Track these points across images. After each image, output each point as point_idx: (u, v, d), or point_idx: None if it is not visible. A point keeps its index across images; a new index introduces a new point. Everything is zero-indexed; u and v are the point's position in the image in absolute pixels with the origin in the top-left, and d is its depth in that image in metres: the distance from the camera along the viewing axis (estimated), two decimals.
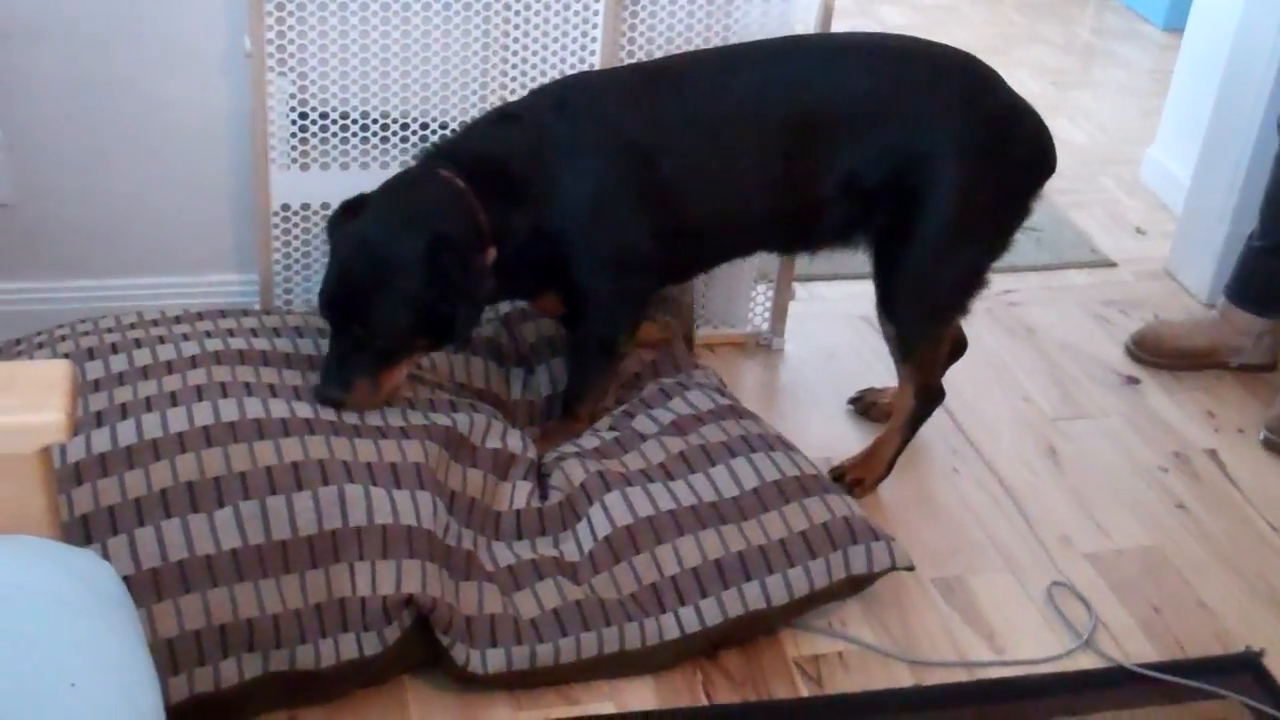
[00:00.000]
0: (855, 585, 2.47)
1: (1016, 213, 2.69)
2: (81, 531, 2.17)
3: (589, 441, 2.65)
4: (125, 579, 2.08)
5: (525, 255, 2.52)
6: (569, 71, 2.88)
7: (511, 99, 2.81)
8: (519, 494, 2.51)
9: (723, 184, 2.61)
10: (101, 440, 2.29)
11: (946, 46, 2.72)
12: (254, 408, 2.38)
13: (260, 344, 2.58)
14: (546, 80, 2.85)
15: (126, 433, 2.30)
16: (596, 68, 2.87)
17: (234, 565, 2.17)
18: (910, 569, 2.51)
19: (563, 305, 2.66)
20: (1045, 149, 2.67)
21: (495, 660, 2.26)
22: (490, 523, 2.47)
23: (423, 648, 2.29)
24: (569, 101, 2.56)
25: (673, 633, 2.34)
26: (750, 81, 2.61)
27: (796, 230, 2.73)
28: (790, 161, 2.59)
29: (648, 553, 2.39)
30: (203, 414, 2.35)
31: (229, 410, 2.36)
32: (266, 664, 2.16)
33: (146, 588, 2.12)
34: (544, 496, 2.53)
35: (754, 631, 2.43)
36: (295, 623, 2.18)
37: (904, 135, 2.57)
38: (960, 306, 2.75)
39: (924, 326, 2.76)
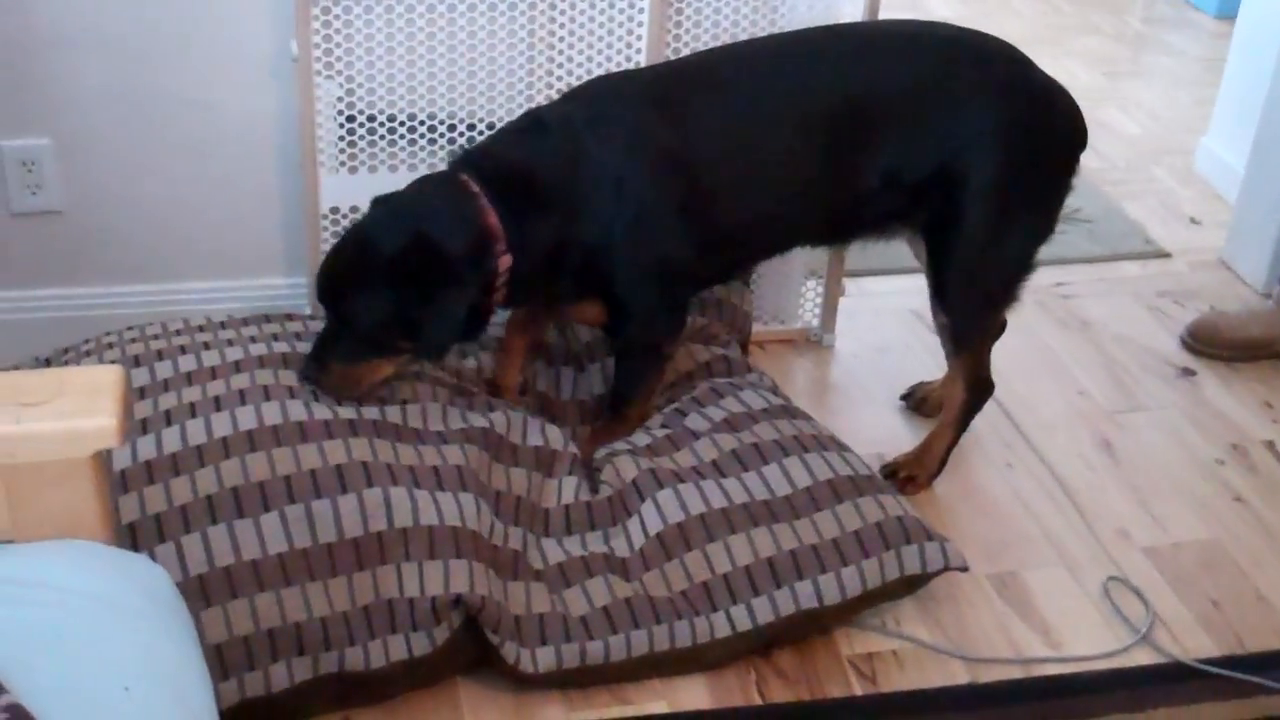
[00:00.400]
0: (909, 585, 2.46)
1: (1060, 192, 2.69)
2: (129, 540, 2.17)
3: (640, 439, 2.64)
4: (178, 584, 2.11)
5: (557, 264, 2.50)
6: (615, 67, 2.87)
7: (557, 99, 2.80)
8: (566, 489, 2.51)
9: (762, 185, 2.59)
10: (147, 447, 2.30)
11: (975, 31, 2.71)
12: (296, 411, 2.38)
13: (304, 348, 2.57)
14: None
15: (171, 439, 2.31)
16: (643, 65, 2.86)
17: (280, 569, 2.18)
18: (964, 569, 2.49)
19: (604, 315, 2.63)
20: (1079, 125, 2.67)
21: (545, 658, 2.26)
22: (539, 520, 2.47)
23: (473, 648, 2.29)
24: (601, 110, 2.52)
25: (724, 630, 2.33)
26: (788, 78, 2.58)
27: (836, 225, 2.72)
28: (832, 158, 2.57)
29: (699, 550, 2.39)
30: (246, 418, 2.35)
31: (272, 414, 2.36)
32: (316, 667, 2.17)
33: (195, 594, 2.12)
34: (594, 491, 2.53)
35: (807, 631, 2.42)
36: (343, 625, 2.19)
37: (947, 124, 2.56)
38: (1013, 292, 2.73)
39: (978, 315, 2.75)
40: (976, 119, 2.56)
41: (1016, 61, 2.65)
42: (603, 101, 2.54)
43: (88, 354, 2.63)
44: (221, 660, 2.11)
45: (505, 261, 2.43)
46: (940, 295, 2.71)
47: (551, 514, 2.48)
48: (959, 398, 2.80)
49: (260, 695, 2.14)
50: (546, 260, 2.48)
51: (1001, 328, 2.95)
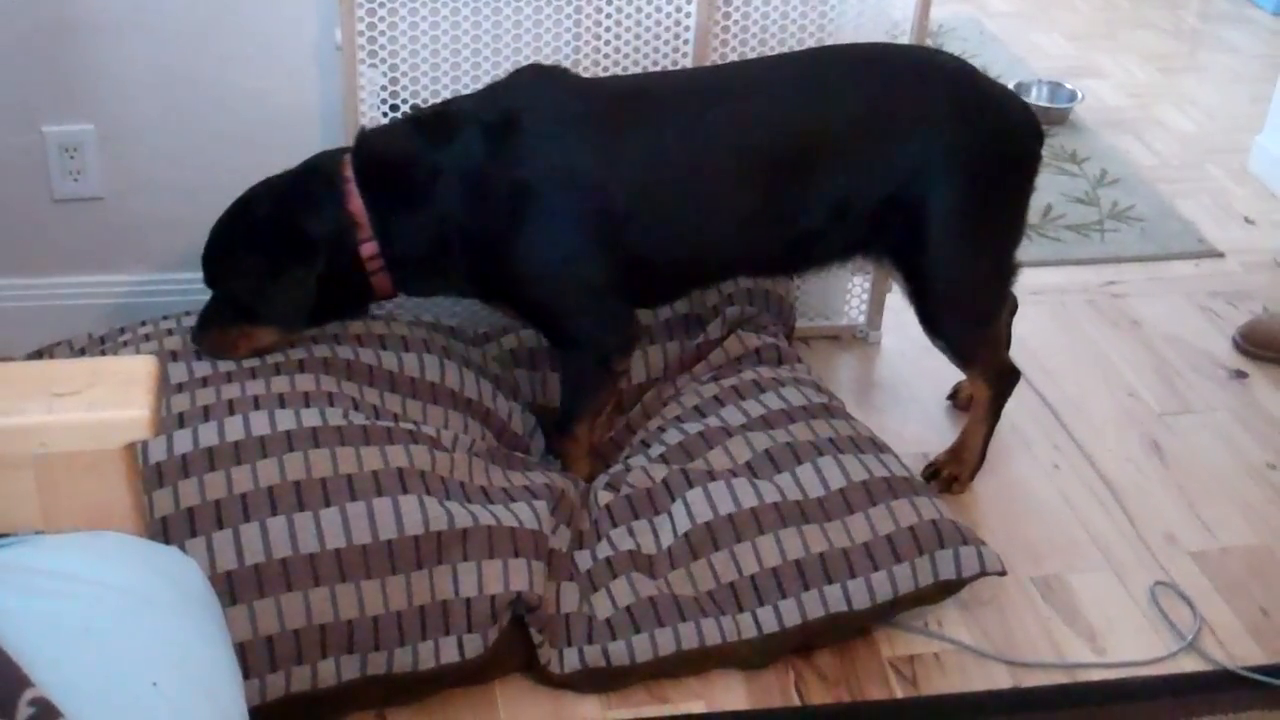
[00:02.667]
0: (945, 590, 2.42)
1: (1024, 198, 2.65)
2: (187, 528, 2.18)
3: (672, 435, 2.62)
4: (228, 574, 2.10)
5: (442, 259, 2.49)
6: (660, 66, 2.85)
7: (480, 90, 2.69)
8: (601, 495, 2.52)
9: (693, 215, 2.52)
10: (185, 441, 2.30)
11: (920, 49, 2.70)
12: (356, 417, 2.40)
13: (344, 352, 2.57)
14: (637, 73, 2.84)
15: (232, 428, 2.31)
16: (689, 58, 2.84)
17: (337, 565, 2.17)
18: (1002, 574, 2.45)
19: (517, 315, 2.65)
20: (1033, 129, 2.62)
21: (571, 659, 2.26)
22: (576, 536, 2.46)
23: (518, 651, 2.29)
24: (512, 113, 2.46)
25: (750, 632, 2.32)
26: (724, 109, 2.52)
27: (785, 257, 2.66)
28: (773, 190, 2.51)
29: (727, 550, 2.37)
30: (310, 417, 2.36)
31: (334, 416, 2.38)
32: (364, 667, 2.16)
33: (249, 584, 2.13)
34: (617, 491, 2.53)
35: (843, 633, 2.40)
36: (395, 625, 2.18)
37: (896, 150, 2.51)
38: (999, 301, 2.71)
39: (971, 333, 2.71)
40: (926, 142, 2.51)
41: (962, 76, 2.61)
42: (519, 105, 2.49)
43: (125, 344, 2.63)
44: (271, 652, 2.11)
45: (369, 248, 2.47)
46: (927, 322, 2.67)
47: (584, 533, 2.47)
48: (984, 394, 2.77)
49: (306, 690, 2.13)
50: (428, 253, 2.48)
51: (1014, 308, 2.90)
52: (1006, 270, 2.68)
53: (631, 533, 2.43)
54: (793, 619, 2.33)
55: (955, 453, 2.82)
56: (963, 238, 2.57)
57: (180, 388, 2.43)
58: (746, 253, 2.61)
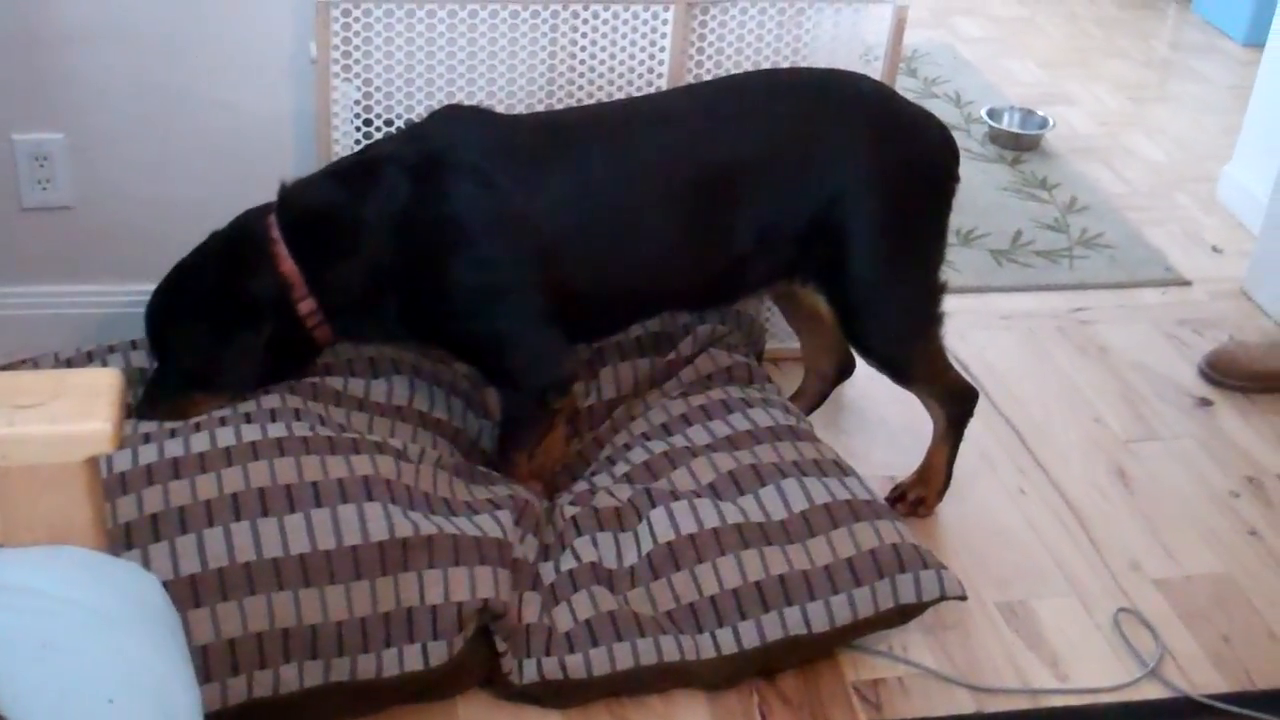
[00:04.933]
0: (905, 614, 2.42)
1: (943, 217, 2.66)
2: (150, 529, 2.18)
3: (637, 455, 2.62)
4: (191, 578, 2.11)
5: (376, 306, 2.50)
6: (636, 85, 2.85)
7: (399, 133, 2.73)
8: (556, 522, 2.52)
9: (622, 251, 2.52)
10: (150, 453, 2.31)
11: (837, 73, 2.70)
12: (322, 430, 2.41)
13: (310, 378, 2.59)
14: (613, 91, 2.84)
15: (198, 442, 2.32)
16: (664, 78, 2.84)
17: (301, 570, 2.18)
18: (962, 598, 2.45)
19: (454, 356, 2.67)
20: (950, 150, 2.64)
21: (530, 670, 2.26)
22: (548, 532, 2.47)
23: (481, 663, 2.28)
24: (435, 154, 2.46)
25: (709, 653, 2.32)
26: (647, 143, 2.53)
27: (716, 288, 2.65)
28: (700, 221, 2.52)
29: (688, 570, 2.37)
30: (276, 430, 2.37)
31: (300, 429, 2.39)
32: (328, 673, 2.16)
33: (211, 588, 2.13)
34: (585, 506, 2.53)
35: (805, 655, 2.40)
36: (359, 631, 2.18)
37: (819, 173, 2.52)
38: (930, 318, 2.69)
39: (905, 353, 2.71)
40: (847, 164, 2.52)
41: (880, 98, 2.63)
42: (439, 144, 2.48)
43: (112, 350, 2.68)
44: (233, 655, 2.11)
45: (307, 306, 2.48)
46: (858, 346, 2.70)
47: (550, 546, 2.47)
48: (939, 414, 2.77)
49: (268, 696, 2.13)
50: (363, 301, 2.49)
51: (939, 320, 2.81)
52: (932, 288, 2.67)
53: (595, 544, 2.43)
54: (751, 640, 2.32)
55: (920, 475, 2.82)
56: (885, 258, 2.57)
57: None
58: (677, 282, 2.61)
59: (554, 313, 2.50)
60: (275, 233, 2.47)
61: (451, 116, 2.58)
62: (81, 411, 1.44)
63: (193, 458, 2.28)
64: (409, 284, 2.47)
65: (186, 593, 2.11)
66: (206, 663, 2.08)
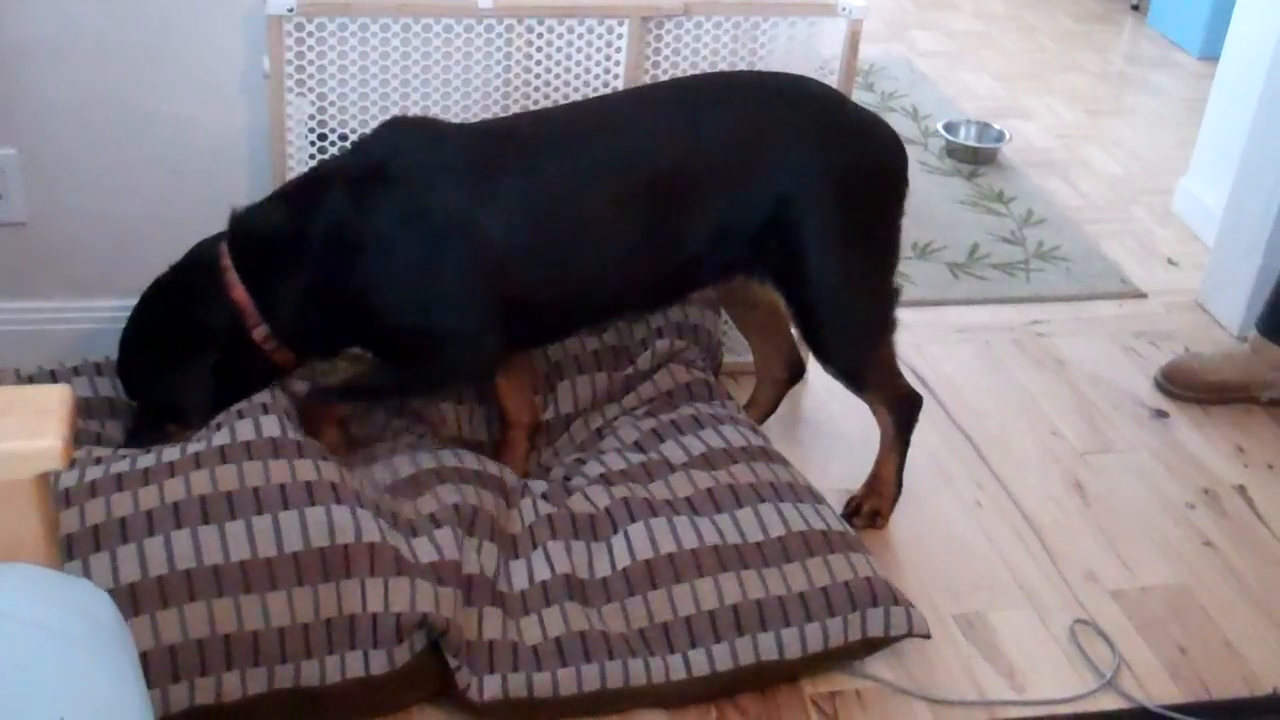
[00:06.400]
0: (869, 646, 2.42)
1: (895, 221, 2.66)
2: (91, 540, 2.18)
3: (615, 462, 2.61)
4: (131, 586, 2.10)
5: (330, 324, 2.51)
6: (591, 96, 2.85)
7: (347, 149, 2.74)
8: (526, 512, 2.50)
9: (572, 255, 2.52)
10: (95, 470, 2.30)
11: (788, 76, 2.71)
12: (246, 431, 2.39)
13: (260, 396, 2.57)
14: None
15: (144, 460, 2.32)
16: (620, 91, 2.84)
17: (241, 577, 2.17)
18: (927, 637, 2.45)
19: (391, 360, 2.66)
20: (900, 154, 2.64)
21: (491, 687, 2.24)
22: (508, 543, 2.45)
23: (433, 675, 2.27)
24: (381, 167, 2.46)
25: (679, 674, 2.30)
26: (597, 147, 2.53)
27: (667, 288, 2.67)
28: (653, 224, 2.52)
29: (665, 589, 2.36)
30: (220, 438, 2.36)
31: (244, 431, 2.37)
32: (271, 680, 2.15)
33: (151, 595, 2.12)
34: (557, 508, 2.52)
35: (770, 679, 2.39)
36: (302, 637, 2.17)
37: (770, 176, 2.52)
38: (883, 323, 2.70)
39: (858, 356, 2.70)
40: (798, 167, 2.52)
41: (830, 101, 2.64)
42: (384, 156, 2.48)
43: (76, 372, 2.69)
44: (174, 662, 2.10)
45: (261, 333, 2.50)
46: (814, 348, 2.70)
47: (519, 539, 2.46)
48: (887, 422, 2.78)
49: (210, 703, 2.12)
50: (321, 321, 2.51)
51: (892, 325, 2.81)
52: (885, 292, 2.68)
53: (569, 552, 2.42)
54: (724, 663, 2.32)
55: (871, 486, 2.82)
56: (838, 260, 2.57)
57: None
58: (630, 284, 2.60)
59: (501, 320, 2.50)
60: (226, 260, 2.48)
61: (395, 127, 2.57)
62: (31, 429, 1.43)
63: (137, 473, 2.28)
64: (350, 295, 2.46)
65: (126, 601, 2.10)
66: (147, 670, 2.05)
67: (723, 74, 2.82)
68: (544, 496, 2.54)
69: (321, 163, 2.63)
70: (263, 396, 2.47)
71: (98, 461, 2.33)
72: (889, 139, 2.63)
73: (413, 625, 2.21)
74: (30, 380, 2.64)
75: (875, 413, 2.78)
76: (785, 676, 2.40)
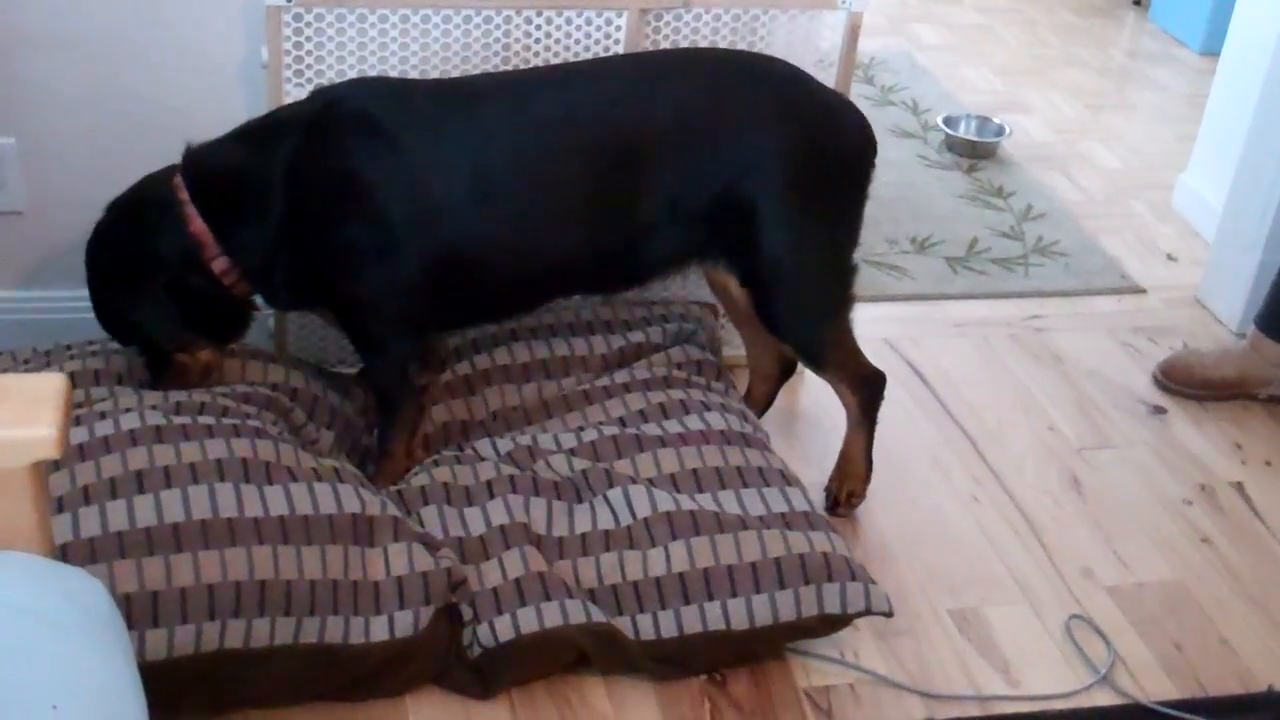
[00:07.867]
0: (829, 624, 2.41)
1: (856, 204, 2.65)
2: (135, 483, 2.22)
3: (589, 434, 2.63)
4: (174, 526, 2.16)
5: (291, 267, 2.51)
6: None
7: (306, 96, 2.70)
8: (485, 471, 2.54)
9: (517, 214, 2.52)
10: (80, 434, 2.33)
11: (752, 54, 2.70)
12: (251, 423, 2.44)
13: (241, 388, 2.60)
14: None
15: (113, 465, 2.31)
16: None
17: (281, 529, 2.23)
18: (889, 614, 2.43)
19: (334, 318, 2.66)
20: (866, 137, 2.63)
21: (484, 635, 2.30)
22: (460, 494, 2.51)
23: (440, 641, 2.31)
24: (336, 112, 2.48)
25: (628, 634, 2.33)
26: (555, 106, 2.53)
27: (620, 268, 2.64)
28: (605, 194, 2.52)
29: (616, 553, 2.39)
30: (150, 417, 2.39)
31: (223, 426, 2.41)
32: (299, 632, 2.19)
33: (195, 536, 2.17)
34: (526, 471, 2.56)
35: (735, 654, 2.40)
36: (330, 592, 2.22)
37: (724, 149, 2.51)
38: (841, 301, 2.68)
39: (815, 334, 2.69)
40: (754, 142, 2.52)
41: (794, 80, 2.62)
42: (339, 100, 2.50)
43: (71, 358, 2.67)
44: (211, 602, 2.14)
45: (221, 264, 2.49)
46: (770, 326, 2.68)
47: (472, 489, 2.50)
48: (851, 403, 2.77)
49: (237, 648, 2.16)
50: (271, 258, 2.50)
51: (849, 303, 2.78)
52: (842, 270, 2.66)
53: (527, 509, 2.44)
54: (670, 630, 2.33)
55: (841, 470, 2.82)
56: (793, 237, 2.57)
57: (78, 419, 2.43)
58: (577, 252, 2.59)
59: (439, 282, 2.51)
60: (184, 194, 2.48)
61: (356, 80, 2.63)
62: (26, 417, 1.44)
63: (123, 435, 2.31)
64: (298, 234, 2.48)
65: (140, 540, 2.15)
66: (130, 611, 2.10)
67: (689, 49, 2.81)
68: (509, 455, 2.57)
69: (281, 106, 2.64)
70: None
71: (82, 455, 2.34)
72: (853, 121, 2.62)
73: (442, 581, 2.28)
74: (26, 364, 2.65)
75: (839, 393, 2.77)
76: (752, 654, 2.41)
